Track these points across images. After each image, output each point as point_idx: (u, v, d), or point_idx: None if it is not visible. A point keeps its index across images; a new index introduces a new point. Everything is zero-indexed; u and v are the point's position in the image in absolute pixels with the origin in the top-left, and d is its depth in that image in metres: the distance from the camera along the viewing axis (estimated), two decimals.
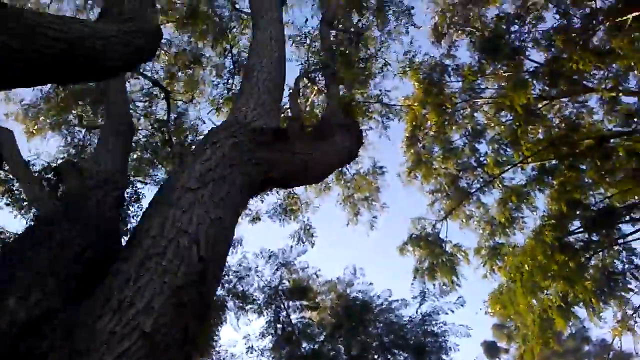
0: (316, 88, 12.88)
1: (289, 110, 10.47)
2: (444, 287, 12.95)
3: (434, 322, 11.43)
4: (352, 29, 11.02)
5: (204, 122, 12.71)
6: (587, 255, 12.28)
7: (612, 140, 13.17)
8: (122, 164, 5.70)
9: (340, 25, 10.81)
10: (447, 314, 11.94)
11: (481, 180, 14.02)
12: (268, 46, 4.78)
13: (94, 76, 4.12)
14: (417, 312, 11.73)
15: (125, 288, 2.61)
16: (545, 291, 11.58)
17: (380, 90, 11.78)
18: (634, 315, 11.79)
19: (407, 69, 12.29)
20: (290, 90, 10.32)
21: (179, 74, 13.51)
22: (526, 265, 11.37)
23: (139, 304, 2.56)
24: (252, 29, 5.63)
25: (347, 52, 10.14)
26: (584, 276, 11.30)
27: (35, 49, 3.24)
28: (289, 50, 12.79)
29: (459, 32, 13.94)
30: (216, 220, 3.06)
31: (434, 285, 13.02)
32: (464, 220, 13.83)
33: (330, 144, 5.13)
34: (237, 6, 12.24)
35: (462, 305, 12.74)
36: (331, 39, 9.98)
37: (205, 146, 3.51)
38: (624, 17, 11.21)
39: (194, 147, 3.76)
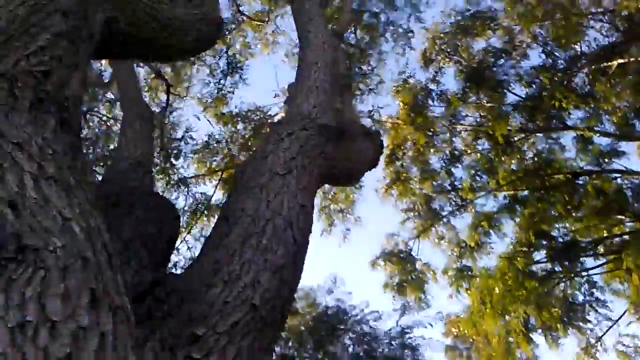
0: None
1: None
2: (418, 302, 13.23)
3: (411, 336, 11.64)
4: (354, 44, 11.26)
5: (199, 119, 12.71)
6: (551, 285, 12.77)
7: (581, 178, 13.77)
8: (149, 148, 5.71)
9: (347, 39, 11.07)
10: (425, 327, 12.20)
11: (454, 203, 14.43)
12: (322, 48, 4.95)
13: (167, 58, 4.18)
14: (397, 324, 11.93)
15: (232, 262, 2.70)
16: (512, 315, 11.96)
17: (372, 106, 12.05)
18: (596, 344, 12.30)
19: (400, 89, 12.61)
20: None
21: (167, 69, 13.46)
22: (496, 288, 11.74)
23: (246, 278, 2.64)
24: (300, 31, 5.75)
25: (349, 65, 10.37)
26: (551, 303, 11.74)
27: (133, 23, 3.31)
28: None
29: (447, 60, 14.37)
30: (303, 207, 3.17)
31: (415, 299, 13.31)
32: (436, 240, 14.18)
33: (363, 148, 5.28)
34: (240, 8, 12.35)
35: (441, 320, 13.05)
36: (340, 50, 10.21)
37: (282, 135, 3.61)
38: (609, 63, 11.84)
39: (267, 135, 3.85)
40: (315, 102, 4.24)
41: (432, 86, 14.18)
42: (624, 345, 12.86)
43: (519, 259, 11.93)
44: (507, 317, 12.12)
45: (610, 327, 12.30)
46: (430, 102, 14.08)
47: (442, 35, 14.14)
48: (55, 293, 1.44)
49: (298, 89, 4.46)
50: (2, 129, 1.84)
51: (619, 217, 13.41)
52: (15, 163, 1.75)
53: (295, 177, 3.29)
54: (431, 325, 12.15)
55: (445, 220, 14.45)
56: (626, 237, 13.18)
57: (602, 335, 12.28)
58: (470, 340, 13.49)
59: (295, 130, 3.68)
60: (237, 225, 2.90)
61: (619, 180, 13.62)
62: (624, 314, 12.74)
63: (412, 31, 12.17)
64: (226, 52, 12.35)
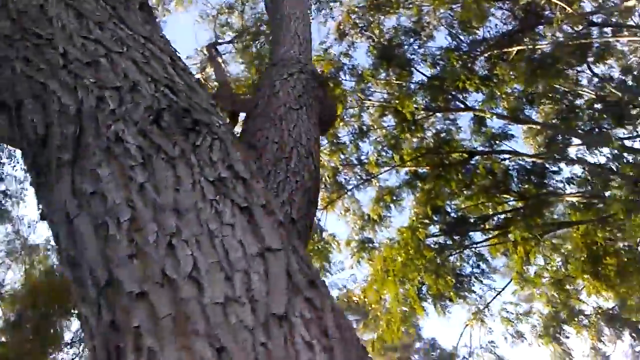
0: (220, 60, 13.06)
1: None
2: (322, 271, 13.66)
3: None
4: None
5: None
6: (446, 257, 13.69)
7: (475, 158, 14.78)
8: None
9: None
10: (340, 290, 12.64)
11: (359, 177, 14.99)
12: (297, 0, 5.08)
13: None
14: None
15: (269, 181, 2.85)
16: (411, 283, 12.70)
17: None
18: (484, 310, 13.40)
19: (319, 58, 12.86)
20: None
21: None
22: (399, 257, 12.42)
23: (283, 196, 2.81)
24: None
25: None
26: (446, 272, 12.61)
27: None
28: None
29: (359, 35, 14.80)
30: (316, 140, 3.36)
31: (320, 267, 13.68)
32: (342, 212, 14.67)
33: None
34: None
35: (354, 282, 13.56)
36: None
37: (285, 76, 3.75)
38: (509, 49, 12.82)
39: (270, 73, 3.98)
40: (299, 50, 4.39)
41: (345, 60, 14.62)
42: (507, 312, 14.12)
43: (420, 230, 12.67)
44: (406, 286, 12.85)
45: (496, 296, 13.45)
46: (342, 75, 14.50)
47: (356, 9, 14.52)
48: (236, 158, 1.57)
49: (281, 38, 4.56)
50: (131, 25, 1.91)
51: (504, 196, 14.52)
52: (153, 53, 1.83)
53: (305, 113, 3.46)
54: (345, 287, 12.64)
55: (350, 193, 14.99)
56: (508, 215, 14.36)
57: (489, 303, 13.38)
58: (369, 308, 14.14)
59: (295, 72, 3.83)
60: (266, 150, 3.04)
61: (507, 162, 14.76)
62: (508, 283, 13.97)
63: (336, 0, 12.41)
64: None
